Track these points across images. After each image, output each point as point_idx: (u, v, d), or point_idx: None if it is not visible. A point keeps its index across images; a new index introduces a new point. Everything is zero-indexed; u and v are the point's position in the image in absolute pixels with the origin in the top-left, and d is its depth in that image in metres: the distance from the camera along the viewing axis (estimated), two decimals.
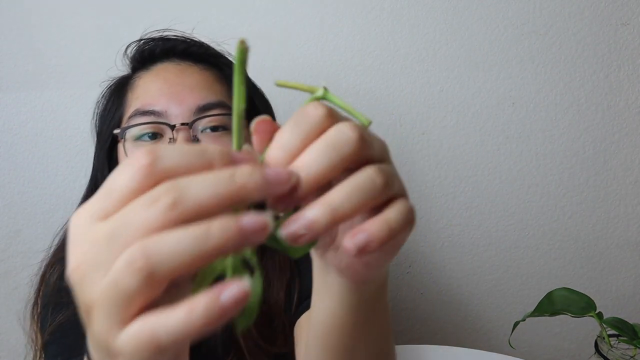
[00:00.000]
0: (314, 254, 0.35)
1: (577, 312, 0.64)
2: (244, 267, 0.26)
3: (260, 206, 0.25)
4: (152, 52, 0.67)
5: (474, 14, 0.91)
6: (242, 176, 0.23)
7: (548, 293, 0.67)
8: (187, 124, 0.58)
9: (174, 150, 0.23)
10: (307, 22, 0.91)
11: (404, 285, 1.02)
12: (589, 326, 0.99)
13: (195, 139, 0.59)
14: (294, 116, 0.27)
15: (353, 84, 0.93)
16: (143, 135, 0.59)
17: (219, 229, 0.22)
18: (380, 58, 0.93)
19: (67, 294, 0.57)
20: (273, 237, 0.25)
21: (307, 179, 0.25)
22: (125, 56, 0.69)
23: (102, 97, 0.69)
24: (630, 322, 0.61)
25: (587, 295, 0.65)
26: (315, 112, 0.27)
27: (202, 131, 0.60)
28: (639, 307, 1.02)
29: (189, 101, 0.60)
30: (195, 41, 0.68)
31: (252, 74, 0.70)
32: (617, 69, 0.93)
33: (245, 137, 0.27)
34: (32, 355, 0.68)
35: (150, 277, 0.21)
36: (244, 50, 0.26)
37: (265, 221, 0.23)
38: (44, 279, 0.66)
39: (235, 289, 0.21)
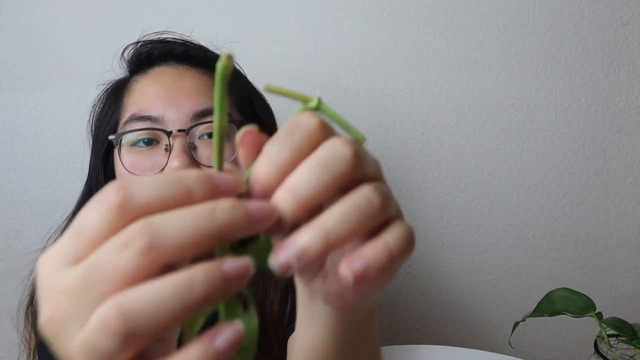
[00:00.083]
0: (298, 282, 0.33)
1: (576, 312, 0.64)
2: (237, 299, 0.24)
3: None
4: (149, 55, 0.65)
5: (474, 14, 0.91)
6: (223, 213, 0.21)
7: (548, 293, 0.67)
8: (184, 130, 0.57)
9: (147, 184, 0.21)
10: (307, 22, 0.91)
11: (404, 285, 1.02)
12: (588, 326, 0.98)
13: (192, 146, 0.57)
14: (284, 126, 0.25)
15: (353, 84, 0.93)
16: (139, 141, 0.58)
17: (202, 278, 0.20)
18: (380, 58, 0.93)
19: None
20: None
21: (298, 202, 0.23)
22: (123, 59, 0.67)
23: (98, 100, 0.68)
24: (630, 322, 0.61)
25: (586, 296, 0.65)
26: (308, 123, 0.25)
27: (199, 137, 0.58)
28: (638, 307, 1.02)
29: (186, 107, 0.58)
30: (194, 44, 0.67)
31: (251, 74, 0.71)
32: (617, 69, 0.93)
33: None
34: (25, 355, 0.68)
35: (129, 338, 0.19)
36: (227, 67, 0.24)
37: (248, 265, 0.21)
38: None
39: (228, 333, 0.20)
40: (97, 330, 0.19)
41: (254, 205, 0.22)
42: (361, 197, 0.24)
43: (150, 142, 0.58)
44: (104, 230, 0.21)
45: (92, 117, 0.68)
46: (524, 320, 0.67)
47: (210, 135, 0.59)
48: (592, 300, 0.64)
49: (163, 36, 0.67)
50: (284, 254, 0.22)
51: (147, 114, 0.58)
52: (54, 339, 0.22)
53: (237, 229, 0.22)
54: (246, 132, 0.25)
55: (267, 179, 0.24)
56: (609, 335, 0.61)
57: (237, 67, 0.68)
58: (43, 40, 0.91)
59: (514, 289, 1.02)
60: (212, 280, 0.20)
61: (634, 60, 0.93)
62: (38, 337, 0.63)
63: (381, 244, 0.24)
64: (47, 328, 0.22)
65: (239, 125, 0.60)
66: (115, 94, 0.66)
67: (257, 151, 0.25)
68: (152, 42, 0.66)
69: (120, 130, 0.60)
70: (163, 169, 0.56)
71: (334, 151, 0.24)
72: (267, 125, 0.69)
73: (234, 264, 0.21)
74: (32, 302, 0.67)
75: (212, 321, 0.24)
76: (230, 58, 0.24)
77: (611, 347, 0.60)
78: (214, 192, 0.22)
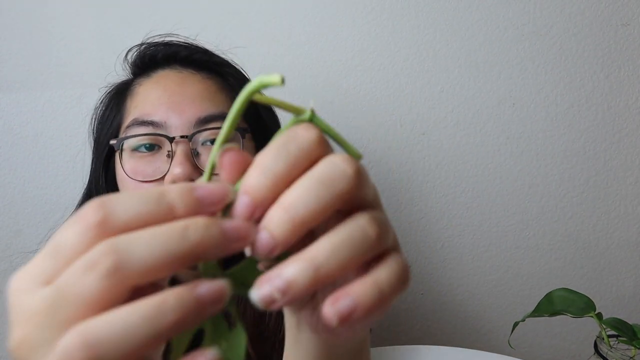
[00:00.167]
0: (286, 308, 0.31)
1: (576, 313, 0.64)
2: (223, 317, 0.23)
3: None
4: (153, 58, 0.64)
5: (474, 14, 0.91)
6: (196, 232, 0.20)
7: (548, 293, 0.67)
8: (186, 136, 0.56)
9: (128, 202, 0.20)
10: (307, 22, 0.91)
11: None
12: (588, 327, 0.99)
13: (195, 153, 0.56)
14: (279, 137, 0.23)
15: (353, 84, 0.93)
16: (140, 146, 0.57)
17: (173, 304, 0.19)
18: (380, 58, 0.93)
19: None
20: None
21: (293, 222, 0.21)
22: (126, 61, 0.66)
23: (100, 103, 0.67)
24: (630, 322, 0.61)
25: (586, 296, 0.65)
26: (306, 135, 0.23)
27: (202, 144, 0.57)
28: (638, 307, 1.02)
29: (189, 112, 0.57)
30: (199, 48, 0.65)
31: (251, 74, 0.70)
32: (617, 69, 0.93)
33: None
34: None
35: None
36: (258, 88, 0.22)
37: (223, 289, 0.20)
38: None
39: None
40: None
41: (230, 224, 0.21)
42: (356, 227, 0.22)
43: (152, 147, 0.57)
44: (80, 250, 0.20)
45: (94, 119, 0.67)
46: (523, 320, 0.67)
47: (213, 142, 0.57)
48: (592, 301, 0.64)
49: (167, 39, 0.66)
50: (267, 286, 0.20)
51: (149, 119, 0.57)
52: None
53: (211, 250, 0.20)
54: (227, 152, 0.23)
55: (257, 192, 0.22)
56: (609, 336, 0.61)
57: (241, 69, 0.67)
58: (43, 40, 0.91)
59: (514, 289, 1.02)
60: (184, 305, 0.19)
61: (634, 61, 0.93)
62: None
63: (371, 282, 0.22)
64: (17, 352, 0.20)
65: (243, 132, 0.59)
66: (118, 96, 0.65)
67: (240, 172, 0.23)
68: (156, 44, 0.65)
69: (122, 134, 0.59)
70: (165, 175, 0.55)
71: (335, 168, 0.22)
72: (273, 132, 0.68)
73: (209, 287, 0.20)
74: None
75: (199, 337, 0.23)
76: (281, 80, 0.22)
77: (611, 347, 0.60)
78: (197, 206, 0.21)
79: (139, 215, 0.20)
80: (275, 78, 0.22)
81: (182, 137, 0.56)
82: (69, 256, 0.20)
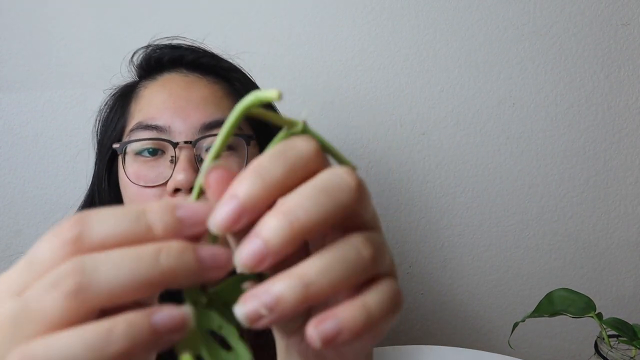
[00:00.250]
0: (276, 332, 0.29)
1: (576, 313, 0.64)
2: (215, 341, 0.21)
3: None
4: (159, 61, 0.63)
5: (474, 14, 0.91)
6: (169, 258, 0.19)
7: (548, 293, 0.67)
8: (190, 142, 0.55)
9: (107, 218, 0.20)
10: (307, 22, 0.91)
11: (404, 285, 1.02)
12: (588, 327, 0.99)
13: (198, 159, 0.55)
14: (276, 147, 0.22)
15: (353, 84, 0.93)
16: (144, 150, 0.56)
17: (123, 331, 0.18)
18: (380, 58, 0.93)
19: None
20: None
21: (292, 229, 0.19)
22: (131, 63, 0.66)
23: (105, 105, 0.66)
24: (630, 322, 0.61)
25: (586, 296, 0.65)
26: (305, 145, 0.22)
27: (206, 150, 0.56)
28: (638, 307, 1.02)
29: (194, 118, 0.56)
30: (206, 52, 0.64)
31: (252, 74, 0.70)
32: (617, 69, 0.93)
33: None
34: None
35: None
36: (254, 104, 0.21)
37: (184, 317, 0.19)
38: None
39: None
40: None
41: (207, 250, 0.20)
42: (351, 247, 0.21)
43: (156, 151, 0.56)
44: (51, 265, 0.19)
45: (98, 121, 0.66)
46: (524, 320, 0.67)
47: None
48: (592, 301, 0.64)
49: (174, 42, 0.65)
50: (254, 302, 0.19)
51: (153, 123, 0.56)
52: None
53: (184, 277, 0.19)
54: (212, 170, 0.22)
55: (248, 196, 0.20)
56: (610, 336, 0.61)
57: (248, 75, 0.67)
58: (43, 40, 0.91)
59: (514, 289, 1.02)
60: (136, 334, 0.18)
61: (635, 61, 0.93)
62: None
63: (359, 305, 0.20)
64: None
65: (248, 139, 0.58)
66: (123, 99, 0.64)
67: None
68: (162, 47, 0.64)
69: (125, 137, 0.59)
70: (167, 181, 0.55)
71: (338, 178, 0.21)
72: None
73: (167, 315, 0.18)
74: None
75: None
76: (279, 96, 0.21)
77: (611, 347, 0.60)
78: (178, 226, 0.20)
79: (114, 233, 0.19)
80: (272, 93, 0.21)
81: (185, 142, 0.55)
82: (41, 270, 0.19)
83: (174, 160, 0.55)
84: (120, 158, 0.58)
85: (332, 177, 0.21)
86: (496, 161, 0.97)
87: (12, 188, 0.96)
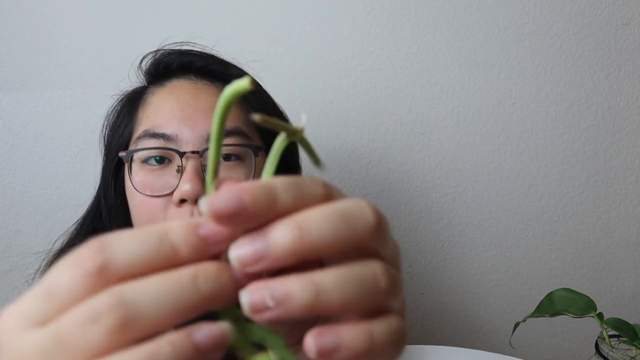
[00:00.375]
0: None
1: (577, 313, 0.64)
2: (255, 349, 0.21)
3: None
4: (168, 67, 0.62)
5: (474, 14, 0.91)
6: (207, 281, 0.19)
7: (548, 294, 0.67)
8: (197, 152, 0.54)
9: (128, 244, 0.19)
10: (307, 22, 0.91)
11: (404, 285, 1.02)
12: (589, 327, 0.98)
13: (205, 169, 0.54)
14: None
15: (353, 84, 0.93)
16: (150, 158, 0.56)
17: (168, 353, 0.18)
18: (380, 58, 0.93)
19: None
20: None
21: (302, 241, 0.19)
22: (140, 69, 0.65)
23: (112, 110, 0.65)
24: (631, 322, 0.61)
25: (587, 296, 0.65)
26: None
27: None
28: (639, 307, 1.02)
29: (202, 126, 0.55)
30: (216, 58, 0.63)
31: (252, 75, 0.70)
32: (617, 68, 0.93)
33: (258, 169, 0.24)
34: None
35: None
36: (234, 98, 0.20)
37: (224, 333, 0.19)
38: None
39: None
40: None
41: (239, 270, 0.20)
42: (369, 271, 0.21)
43: (162, 160, 0.56)
44: (78, 296, 0.19)
45: (105, 126, 0.66)
46: (524, 320, 0.67)
47: (225, 158, 0.56)
48: (593, 301, 0.64)
49: (184, 47, 0.64)
50: (263, 291, 0.19)
51: (160, 131, 0.55)
52: None
53: (223, 298, 0.19)
54: (220, 184, 0.21)
55: (256, 198, 0.19)
56: (610, 336, 0.61)
57: (257, 80, 0.65)
58: (43, 40, 0.91)
59: (514, 289, 1.02)
60: (180, 353, 0.18)
61: (635, 60, 0.93)
62: None
63: (364, 329, 0.20)
64: None
65: (256, 150, 0.57)
66: (130, 105, 0.63)
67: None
68: (171, 53, 0.63)
69: (132, 144, 0.58)
70: (174, 190, 0.54)
71: (359, 210, 0.21)
72: (288, 148, 0.66)
73: (208, 332, 0.18)
74: None
75: None
76: (252, 83, 0.20)
77: (612, 347, 0.60)
78: (202, 246, 0.20)
79: (140, 259, 0.19)
80: (244, 83, 0.21)
81: (192, 152, 0.54)
82: (66, 301, 0.19)
83: (180, 170, 0.54)
84: (126, 166, 0.57)
85: (354, 206, 0.21)
86: (496, 161, 0.97)
87: (12, 188, 0.96)
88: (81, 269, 0.19)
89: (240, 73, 0.63)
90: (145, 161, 0.56)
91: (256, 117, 0.21)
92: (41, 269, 0.67)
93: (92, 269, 0.19)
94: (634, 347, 0.59)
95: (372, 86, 0.93)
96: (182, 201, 0.53)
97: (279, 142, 0.23)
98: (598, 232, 1.00)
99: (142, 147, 0.56)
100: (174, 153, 0.55)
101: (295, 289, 0.19)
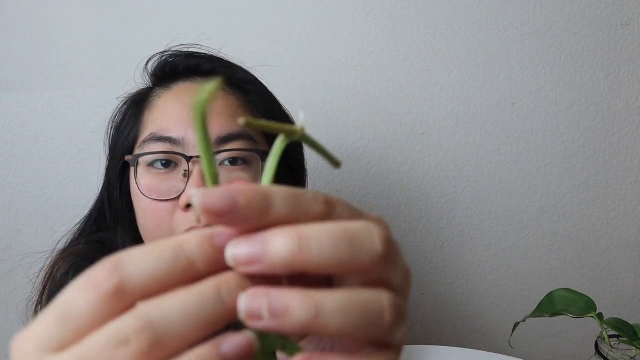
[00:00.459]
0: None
1: (577, 313, 0.64)
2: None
3: None
4: (174, 69, 0.61)
5: (474, 14, 0.91)
6: (231, 293, 0.19)
7: (548, 294, 0.67)
8: None
9: (143, 262, 0.19)
10: (307, 22, 0.91)
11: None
12: (589, 327, 0.99)
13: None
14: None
15: (353, 84, 0.93)
16: (156, 161, 0.55)
17: None
18: (380, 58, 0.93)
19: None
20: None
21: (301, 252, 0.19)
22: (146, 70, 0.64)
23: (117, 111, 0.65)
24: (631, 322, 0.61)
25: (587, 296, 0.65)
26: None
27: (220, 164, 0.55)
28: (638, 307, 1.02)
29: (209, 131, 0.55)
30: (223, 61, 0.62)
31: (259, 78, 0.70)
32: (617, 69, 0.93)
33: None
34: None
35: None
36: (207, 101, 0.20)
37: (250, 342, 0.19)
38: (51, 276, 0.64)
39: None
40: None
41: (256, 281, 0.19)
42: (376, 303, 0.20)
43: (169, 164, 0.55)
44: (97, 320, 0.18)
45: (110, 128, 0.65)
46: (524, 320, 0.67)
47: (232, 162, 0.55)
48: (592, 301, 0.64)
49: (191, 49, 0.63)
50: (262, 300, 0.18)
51: (167, 135, 0.55)
52: None
53: None
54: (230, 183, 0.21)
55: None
56: (610, 336, 0.61)
57: (265, 87, 0.65)
58: (43, 40, 0.91)
59: (514, 289, 1.02)
60: None
61: (634, 61, 0.93)
62: None
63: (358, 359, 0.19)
64: None
65: (263, 155, 0.56)
66: (136, 107, 0.62)
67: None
68: (178, 54, 0.62)
69: (138, 147, 0.58)
70: (180, 195, 0.54)
71: (367, 235, 0.20)
72: (295, 153, 0.65)
73: (235, 343, 0.18)
74: (41, 299, 0.65)
75: None
76: (214, 89, 0.20)
77: (612, 347, 0.60)
78: (218, 256, 0.20)
79: (157, 276, 0.19)
80: (212, 85, 0.20)
81: (199, 157, 0.55)
82: (85, 324, 0.19)
83: (187, 175, 0.54)
84: (132, 169, 0.57)
85: (363, 231, 0.20)
86: (496, 161, 0.97)
87: (12, 188, 0.96)
88: (97, 290, 0.18)
89: (246, 77, 0.63)
90: (151, 165, 0.56)
91: (241, 120, 0.21)
92: (45, 268, 0.67)
93: (108, 290, 0.18)
94: (633, 347, 0.59)
95: (372, 86, 0.93)
96: (189, 206, 0.53)
97: (278, 144, 0.23)
98: (598, 232, 1.00)
99: (149, 152, 0.55)
100: (180, 157, 0.54)
101: (294, 305, 0.18)
